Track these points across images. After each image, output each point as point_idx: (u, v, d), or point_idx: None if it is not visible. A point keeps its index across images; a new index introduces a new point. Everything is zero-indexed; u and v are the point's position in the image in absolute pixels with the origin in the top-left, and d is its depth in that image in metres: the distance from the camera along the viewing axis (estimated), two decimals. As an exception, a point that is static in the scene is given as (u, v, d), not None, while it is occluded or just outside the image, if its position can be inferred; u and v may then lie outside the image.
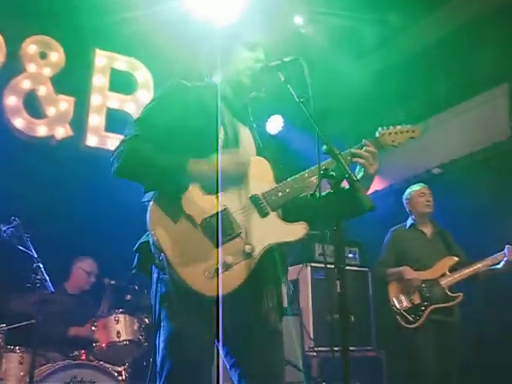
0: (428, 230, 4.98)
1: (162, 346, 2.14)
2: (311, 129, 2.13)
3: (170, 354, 2.12)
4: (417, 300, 4.64)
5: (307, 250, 5.40)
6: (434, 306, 4.59)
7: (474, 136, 6.17)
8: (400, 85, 6.46)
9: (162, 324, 2.15)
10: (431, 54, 6.19)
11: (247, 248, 2.15)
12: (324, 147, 2.04)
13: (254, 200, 2.25)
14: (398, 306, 4.67)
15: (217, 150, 2.21)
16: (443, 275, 4.67)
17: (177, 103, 2.31)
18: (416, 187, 5.09)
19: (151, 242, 2.11)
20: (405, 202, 5.11)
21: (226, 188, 2.21)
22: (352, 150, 2.35)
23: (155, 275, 2.20)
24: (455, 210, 6.13)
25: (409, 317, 4.61)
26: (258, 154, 2.43)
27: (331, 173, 2.04)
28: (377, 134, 2.48)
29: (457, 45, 5.93)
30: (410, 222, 5.06)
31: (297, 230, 2.27)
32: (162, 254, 2.06)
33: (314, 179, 2.27)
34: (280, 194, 2.27)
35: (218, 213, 2.15)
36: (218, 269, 2.08)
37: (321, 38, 6.22)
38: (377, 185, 6.98)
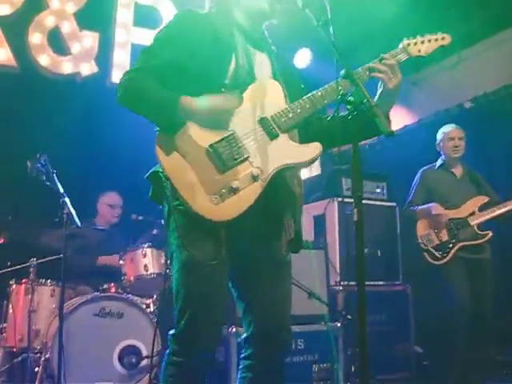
0: (458, 171, 4.92)
1: (175, 276, 2.15)
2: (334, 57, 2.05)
3: (183, 282, 2.12)
4: (445, 237, 4.64)
5: (334, 184, 5.35)
6: (461, 244, 4.59)
7: (508, 69, 5.95)
8: (433, 14, 6.20)
9: (176, 253, 2.14)
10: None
11: (255, 171, 2.09)
12: (342, 71, 1.96)
13: (263, 122, 2.18)
14: (425, 243, 4.67)
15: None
16: (472, 214, 4.65)
17: (185, 32, 2.23)
18: (447, 129, 4.96)
19: (160, 170, 2.11)
20: (437, 143, 5.00)
21: (233, 113, 2.16)
22: (369, 65, 2.22)
23: (166, 206, 2.20)
24: (487, 146, 6.01)
25: (436, 253, 4.62)
26: (274, 76, 2.35)
27: (349, 98, 1.96)
28: (400, 45, 2.32)
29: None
30: (439, 162, 4.99)
31: (309, 151, 2.18)
32: (169, 182, 2.06)
33: (328, 100, 2.19)
34: (291, 114, 2.19)
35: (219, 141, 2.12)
36: (224, 194, 2.05)
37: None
38: (406, 119, 6.84)
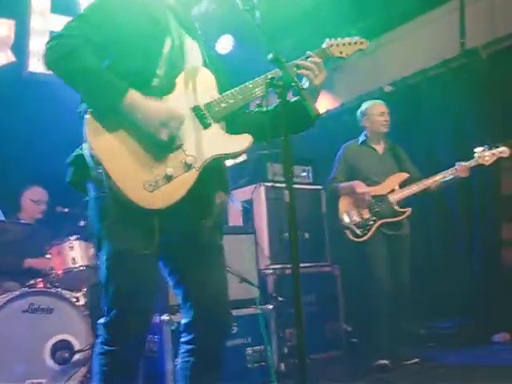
0: (380, 147, 4.97)
1: (105, 265, 2.11)
2: (260, 42, 2.08)
3: (113, 272, 2.10)
4: (366, 214, 4.69)
5: (260, 170, 5.39)
6: (382, 221, 4.66)
7: (426, 53, 6.18)
8: (350, 3, 6.35)
9: (102, 242, 2.11)
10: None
11: (188, 160, 2.10)
12: (270, 55, 2.00)
13: (196, 111, 2.19)
14: (346, 221, 4.71)
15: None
16: (393, 191, 4.72)
17: (121, 9, 2.17)
18: (376, 103, 4.99)
19: (88, 154, 2.03)
20: (361, 116, 4.99)
21: (167, 99, 2.15)
22: (296, 62, 2.28)
23: (92, 192, 2.15)
24: (406, 127, 6.22)
25: (357, 231, 4.67)
26: (204, 64, 2.36)
27: (278, 82, 2.00)
28: (324, 45, 2.41)
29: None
30: (362, 138, 5.02)
31: (241, 141, 2.23)
32: (100, 167, 1.99)
33: (259, 91, 2.23)
34: (223, 104, 2.22)
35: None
36: (157, 181, 2.04)
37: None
38: (329, 104, 6.98)
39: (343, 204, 4.79)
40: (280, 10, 6.25)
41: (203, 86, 2.25)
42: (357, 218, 4.70)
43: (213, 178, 2.23)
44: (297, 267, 1.97)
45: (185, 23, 2.37)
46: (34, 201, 5.24)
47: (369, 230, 4.67)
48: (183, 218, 2.15)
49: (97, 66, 2.07)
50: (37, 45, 5.97)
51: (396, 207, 4.69)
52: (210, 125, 2.19)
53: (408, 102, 6.34)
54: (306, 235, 5.37)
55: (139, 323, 2.14)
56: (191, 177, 2.10)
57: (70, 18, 5.66)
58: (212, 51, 2.60)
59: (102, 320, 2.16)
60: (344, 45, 2.44)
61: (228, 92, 2.25)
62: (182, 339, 2.32)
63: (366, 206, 4.69)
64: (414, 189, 4.69)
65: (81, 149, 2.10)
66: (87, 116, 2.06)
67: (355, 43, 2.47)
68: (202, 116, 2.19)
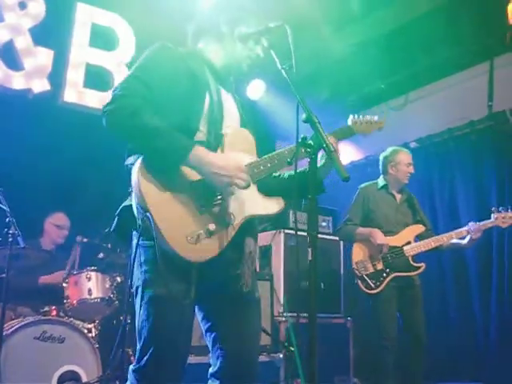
0: (398, 195, 4.88)
1: (140, 311, 2.15)
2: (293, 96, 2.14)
3: (149, 319, 2.13)
4: (379, 266, 4.59)
5: (281, 216, 5.42)
6: (395, 274, 4.57)
7: (453, 113, 6.22)
8: (382, 57, 6.43)
9: (142, 288, 2.15)
10: (413, 29, 6.15)
11: (229, 217, 2.20)
12: (303, 116, 2.05)
13: None
14: (360, 270, 4.62)
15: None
16: (408, 243, 4.63)
17: (164, 68, 2.27)
18: (404, 152, 4.91)
19: (136, 202, 2.09)
20: (386, 162, 4.90)
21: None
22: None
23: (136, 241, 2.19)
24: (429, 185, 6.24)
25: (370, 282, 4.57)
26: (241, 121, 2.45)
27: (309, 142, 2.05)
28: (349, 122, 2.59)
29: (438, 21, 5.91)
30: (382, 182, 4.91)
31: (274, 205, 2.36)
32: (148, 214, 2.04)
33: (293, 160, 2.28)
34: (262, 167, 2.30)
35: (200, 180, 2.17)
36: (200, 235, 2.11)
37: (303, 4, 6.15)
38: (353, 155, 7.02)
39: (357, 251, 4.69)
40: (311, 62, 6.36)
41: (244, 148, 2.36)
42: (371, 269, 4.60)
43: (246, 230, 2.29)
44: (314, 320, 1.97)
45: (220, 76, 2.46)
46: (56, 226, 5.32)
47: (382, 282, 4.57)
48: (219, 269, 2.20)
49: (160, 124, 2.13)
50: (73, 75, 6.12)
51: (411, 261, 4.60)
52: (248, 185, 2.25)
53: (432, 160, 6.36)
54: (322, 285, 5.36)
55: (172, 372, 2.15)
56: (230, 233, 2.19)
57: (107, 53, 5.86)
58: (244, 99, 2.69)
59: (133, 366, 2.18)
60: (367, 123, 2.62)
61: (266, 156, 2.34)
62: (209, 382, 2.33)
63: (381, 257, 4.60)
64: (430, 245, 4.62)
65: (130, 200, 2.17)
66: (137, 168, 2.10)
67: (375, 123, 2.65)
68: None
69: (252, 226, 2.35)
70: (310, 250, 1.98)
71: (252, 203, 2.29)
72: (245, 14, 2.46)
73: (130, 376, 2.17)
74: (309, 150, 2.04)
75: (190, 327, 2.22)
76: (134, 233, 2.22)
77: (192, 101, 2.25)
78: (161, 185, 2.10)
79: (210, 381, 2.32)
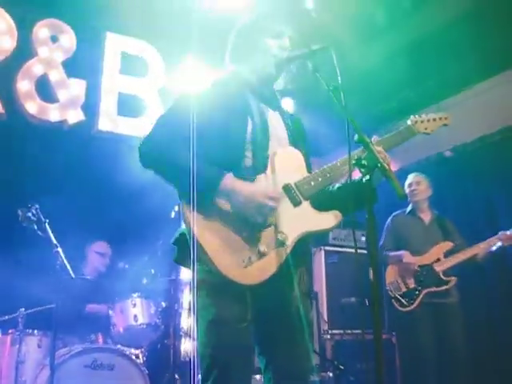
0: (426, 216, 5.12)
1: (200, 336, 2.18)
2: (339, 116, 2.15)
3: (210, 342, 2.16)
4: (411, 284, 4.79)
5: (321, 233, 5.41)
6: (427, 290, 4.73)
7: (486, 119, 6.16)
8: (411, 67, 6.42)
9: (200, 313, 2.19)
10: (443, 36, 6.13)
11: (280, 237, 2.18)
12: (356, 136, 2.06)
13: (287, 189, 2.28)
14: (393, 290, 4.82)
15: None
16: (438, 260, 4.80)
17: (202, 99, 2.33)
18: (408, 177, 5.27)
19: (186, 231, 2.16)
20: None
21: (259, 179, 2.24)
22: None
23: (191, 266, 2.21)
24: (465, 193, 6.17)
25: (403, 300, 4.76)
26: (290, 138, 2.45)
27: (363, 162, 2.05)
28: (409, 122, 2.50)
29: (469, 27, 5.88)
30: (409, 207, 5.21)
31: (329, 219, 2.30)
32: (198, 245, 2.09)
33: (346, 170, 2.29)
34: (312, 183, 2.30)
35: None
36: (251, 257, 2.11)
37: (331, 19, 6.18)
38: (388, 168, 6.98)
39: (390, 273, 4.92)
40: (349, 71, 6.35)
41: (293, 165, 2.35)
42: (403, 288, 4.80)
43: (301, 249, 2.29)
44: (379, 341, 1.96)
45: (264, 97, 2.47)
46: (99, 253, 5.38)
47: (415, 299, 4.73)
48: (273, 291, 2.20)
49: (189, 160, 2.18)
50: (106, 104, 6.22)
51: (441, 276, 4.74)
52: (300, 202, 2.27)
53: (468, 168, 6.30)
54: (367, 302, 5.30)
55: None
56: (283, 253, 2.18)
57: (138, 80, 5.96)
58: (298, 122, 2.66)
59: None
60: (429, 121, 2.53)
61: (318, 171, 2.33)
62: None
63: (412, 276, 4.79)
64: (459, 257, 4.76)
65: (183, 229, 2.21)
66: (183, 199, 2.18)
67: (440, 119, 2.56)
68: (292, 194, 2.27)
69: (306, 244, 2.35)
70: (370, 269, 1.98)
71: (305, 220, 2.26)
72: (280, 30, 2.49)
73: None
74: (363, 170, 2.04)
75: (250, 348, 2.23)
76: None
77: (233, 128, 2.28)
78: (205, 213, 2.14)
79: None
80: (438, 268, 4.76)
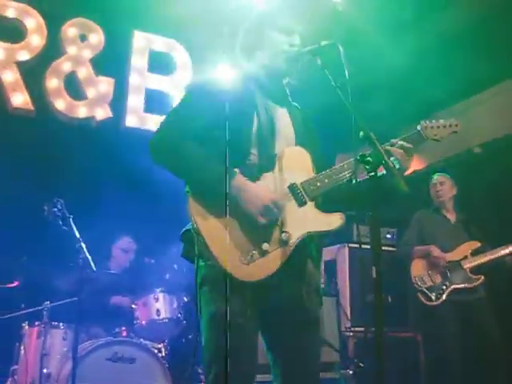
0: (451, 215, 5.09)
1: (204, 330, 2.20)
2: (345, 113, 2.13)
3: (211, 337, 2.17)
4: (438, 279, 4.75)
5: (345, 230, 5.38)
6: (454, 286, 4.68)
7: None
8: (440, 63, 6.33)
9: (203, 308, 2.21)
10: (472, 32, 6.03)
11: (284, 236, 2.19)
12: (361, 133, 2.04)
13: (292, 189, 2.29)
14: (419, 284, 4.76)
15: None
16: (465, 257, 4.77)
17: (207, 96, 2.33)
18: (433, 178, 5.24)
19: (192, 229, 2.18)
20: (429, 187, 5.26)
21: (265, 178, 2.25)
22: (387, 148, 2.31)
23: (197, 262, 2.25)
24: (495, 189, 6.06)
25: (430, 295, 4.70)
26: (297, 137, 2.44)
27: (368, 159, 2.03)
28: (419, 127, 2.47)
29: (498, 24, 5.78)
30: (434, 206, 5.20)
31: (333, 220, 2.30)
32: (200, 237, 2.13)
33: (352, 172, 2.29)
34: (318, 184, 2.30)
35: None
36: (253, 255, 2.13)
37: (358, 14, 6.12)
38: (416, 164, 6.90)
39: (416, 267, 4.87)
40: (367, 73, 6.30)
41: (300, 165, 2.35)
42: (429, 282, 4.75)
43: (305, 248, 2.29)
44: (380, 338, 1.94)
45: (272, 93, 2.47)
46: (123, 250, 5.46)
47: (441, 294, 4.69)
48: (276, 289, 2.20)
49: (200, 156, 2.22)
50: (134, 101, 6.30)
51: (469, 273, 4.71)
52: (305, 203, 2.27)
53: (498, 164, 6.18)
54: (389, 299, 5.27)
55: None
56: (286, 252, 2.19)
57: (165, 77, 6.00)
58: (308, 118, 2.63)
59: None
60: (439, 127, 2.49)
61: (324, 172, 2.33)
62: None
63: (439, 271, 4.75)
64: (488, 256, 4.72)
65: (190, 224, 2.22)
66: (190, 194, 2.21)
67: (450, 126, 2.52)
68: (297, 194, 2.28)
69: (312, 243, 2.34)
70: (373, 268, 1.96)
71: (309, 221, 2.26)
72: (291, 27, 2.48)
73: None
74: (368, 167, 2.02)
75: (252, 347, 2.22)
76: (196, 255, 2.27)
77: (239, 125, 2.28)
78: (211, 210, 2.17)
79: None
80: (466, 265, 4.73)
